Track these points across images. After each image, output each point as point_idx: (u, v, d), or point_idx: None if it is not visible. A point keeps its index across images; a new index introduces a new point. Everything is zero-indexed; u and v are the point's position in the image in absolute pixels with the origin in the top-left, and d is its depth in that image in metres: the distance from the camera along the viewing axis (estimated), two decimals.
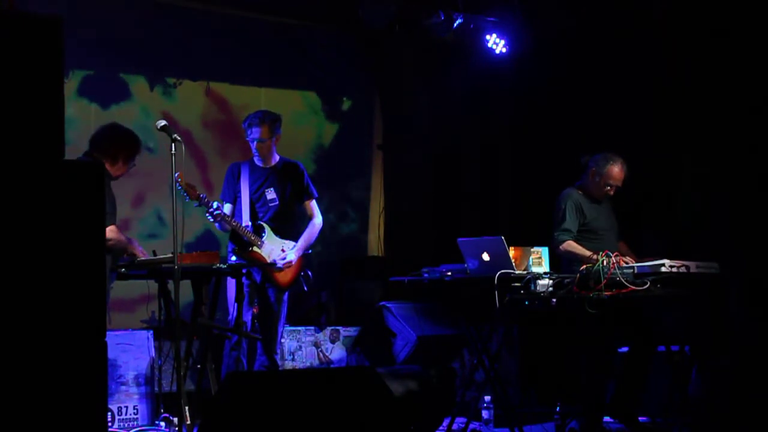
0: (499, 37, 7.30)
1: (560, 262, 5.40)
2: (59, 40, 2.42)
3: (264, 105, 7.14)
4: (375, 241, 8.13)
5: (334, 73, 7.91)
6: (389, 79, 8.15)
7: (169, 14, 7.02)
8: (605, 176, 5.42)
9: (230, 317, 5.52)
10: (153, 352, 5.72)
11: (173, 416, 4.85)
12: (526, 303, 4.78)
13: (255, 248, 5.61)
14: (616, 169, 5.41)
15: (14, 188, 2.32)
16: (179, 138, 4.49)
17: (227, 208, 5.75)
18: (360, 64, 8.07)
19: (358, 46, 7.97)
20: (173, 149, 4.44)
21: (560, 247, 5.37)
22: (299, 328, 6.60)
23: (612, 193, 5.48)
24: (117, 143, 4.90)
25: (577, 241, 5.37)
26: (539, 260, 4.99)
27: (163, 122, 4.60)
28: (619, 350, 5.41)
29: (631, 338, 5.30)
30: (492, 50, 7.34)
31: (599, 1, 6.72)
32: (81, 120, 6.65)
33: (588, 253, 5.15)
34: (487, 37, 7.30)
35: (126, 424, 5.55)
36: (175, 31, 7.06)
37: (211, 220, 5.45)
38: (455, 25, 7.09)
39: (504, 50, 7.32)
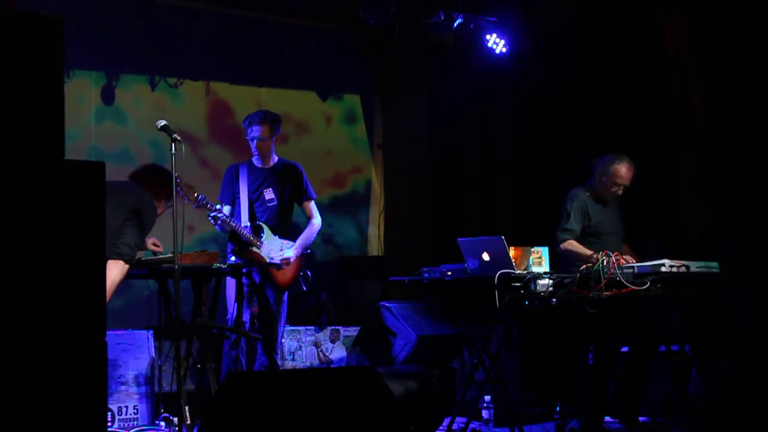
0: (499, 36, 7.30)
1: (560, 261, 5.40)
2: (59, 40, 2.42)
3: (264, 105, 7.14)
4: (375, 241, 8.13)
5: (334, 73, 7.91)
6: (389, 79, 8.15)
7: (169, 14, 7.01)
8: (612, 176, 5.41)
9: (229, 317, 5.52)
10: (153, 352, 5.72)
11: (173, 416, 4.84)
12: (526, 303, 4.78)
13: (254, 248, 5.61)
14: (623, 169, 5.40)
15: (14, 188, 2.32)
16: (179, 138, 4.47)
17: (226, 209, 5.75)
18: (360, 64, 8.07)
19: (358, 45, 7.96)
20: (173, 149, 4.43)
21: (561, 246, 5.37)
22: (299, 328, 6.60)
23: (620, 192, 5.47)
24: (159, 184, 4.85)
25: (578, 241, 5.37)
26: (539, 260, 4.98)
27: (163, 122, 4.58)
28: (621, 350, 5.41)
29: (631, 338, 5.30)
30: (492, 50, 7.34)
31: (599, 0, 6.72)
32: (81, 120, 6.65)
33: (588, 252, 5.14)
34: (487, 36, 7.31)
35: (126, 424, 5.55)
36: (175, 31, 7.06)
37: (212, 222, 5.45)
38: (455, 24, 7.10)
39: (504, 50, 7.33)
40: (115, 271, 4.48)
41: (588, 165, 5.57)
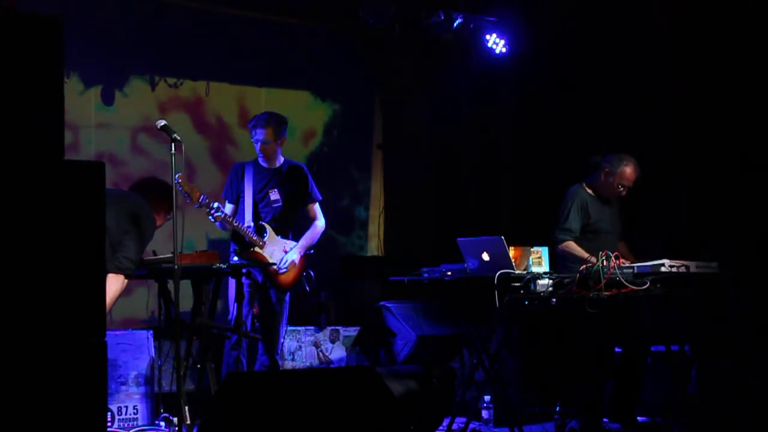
0: (499, 36, 7.31)
1: (557, 259, 5.38)
2: (59, 40, 2.42)
3: (264, 105, 7.14)
4: (375, 241, 8.13)
5: (334, 73, 7.91)
6: (389, 79, 8.15)
7: (169, 14, 7.02)
8: (618, 176, 5.39)
9: (230, 317, 5.52)
10: (153, 352, 5.72)
11: (173, 416, 4.85)
12: (526, 303, 4.78)
13: (257, 248, 5.60)
14: (629, 170, 5.38)
15: (14, 188, 2.32)
16: (179, 138, 4.46)
17: (229, 208, 5.74)
18: (360, 64, 8.07)
19: (358, 45, 7.96)
20: (173, 149, 4.42)
21: (559, 246, 5.36)
22: (299, 327, 6.59)
23: (624, 193, 5.47)
24: (159, 196, 4.84)
25: (577, 240, 5.36)
26: (539, 260, 4.98)
27: (163, 122, 4.57)
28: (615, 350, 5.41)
29: (627, 338, 5.29)
30: (492, 50, 7.34)
31: (599, 0, 6.72)
32: (82, 120, 6.65)
33: (586, 255, 5.13)
34: (487, 36, 7.31)
35: (126, 424, 5.55)
36: (175, 31, 7.06)
37: (212, 220, 5.44)
38: (455, 24, 7.10)
39: (504, 50, 7.33)
40: (115, 285, 4.45)
41: (590, 161, 5.55)
